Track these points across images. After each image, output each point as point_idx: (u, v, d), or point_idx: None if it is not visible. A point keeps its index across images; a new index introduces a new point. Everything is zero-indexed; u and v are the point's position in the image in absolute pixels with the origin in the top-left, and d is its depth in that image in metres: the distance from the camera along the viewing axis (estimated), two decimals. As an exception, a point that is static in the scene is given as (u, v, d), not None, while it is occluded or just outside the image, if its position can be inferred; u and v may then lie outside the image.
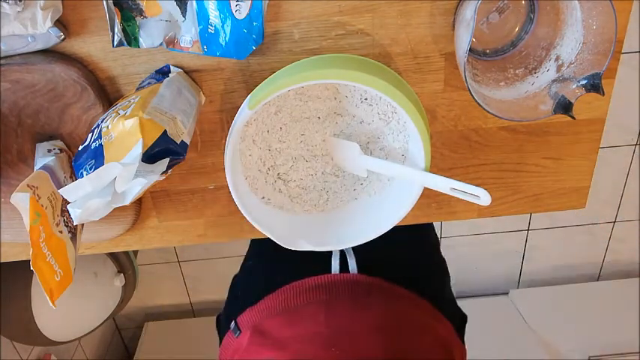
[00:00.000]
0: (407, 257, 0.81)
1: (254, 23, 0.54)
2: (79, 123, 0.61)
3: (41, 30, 0.52)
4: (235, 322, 0.71)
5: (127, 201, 0.46)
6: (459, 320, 0.76)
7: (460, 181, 0.52)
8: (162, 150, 0.48)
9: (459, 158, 0.69)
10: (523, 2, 0.58)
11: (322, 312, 0.65)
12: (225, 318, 0.76)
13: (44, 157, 0.59)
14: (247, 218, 0.57)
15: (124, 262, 1.52)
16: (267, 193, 0.62)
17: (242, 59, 0.57)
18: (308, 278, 0.72)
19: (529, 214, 1.95)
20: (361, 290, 0.70)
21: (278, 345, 0.62)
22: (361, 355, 0.58)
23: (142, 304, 2.06)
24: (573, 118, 0.55)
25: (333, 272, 0.73)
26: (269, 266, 0.75)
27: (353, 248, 0.76)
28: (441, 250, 0.93)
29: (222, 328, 0.77)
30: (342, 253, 0.76)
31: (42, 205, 0.52)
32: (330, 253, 0.76)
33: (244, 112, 0.51)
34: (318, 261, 0.73)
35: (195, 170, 0.69)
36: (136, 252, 1.71)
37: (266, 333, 0.65)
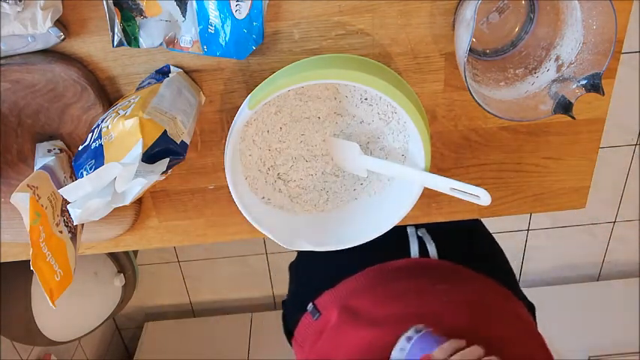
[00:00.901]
0: (482, 246, 0.84)
1: (254, 23, 0.54)
2: (79, 123, 0.61)
3: (41, 30, 0.52)
4: (313, 305, 0.73)
5: (127, 201, 0.46)
6: (529, 309, 0.78)
7: (460, 181, 0.52)
8: (162, 150, 0.48)
9: (458, 158, 0.69)
10: (523, 2, 0.58)
11: (412, 294, 0.66)
12: (298, 302, 0.79)
13: (44, 157, 0.59)
14: (247, 218, 0.57)
15: (124, 262, 1.52)
16: (267, 193, 0.62)
17: (242, 59, 0.57)
18: (391, 261, 0.74)
19: (529, 214, 1.95)
20: (447, 275, 0.71)
21: (373, 323, 0.63)
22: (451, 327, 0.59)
23: (142, 304, 2.06)
24: (573, 118, 0.55)
25: (412, 257, 0.75)
26: (342, 251, 0.77)
27: (430, 235, 0.79)
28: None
29: (292, 312, 0.80)
30: (420, 239, 0.78)
31: (42, 205, 0.52)
32: (404, 238, 0.78)
33: (244, 112, 0.51)
34: (393, 246, 0.75)
35: (195, 170, 0.69)
36: (136, 252, 1.71)
37: (357, 311, 0.67)
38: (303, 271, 0.87)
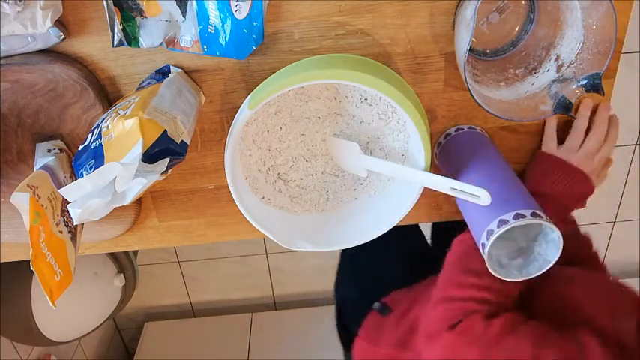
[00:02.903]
0: None
1: (254, 23, 0.54)
2: (79, 123, 0.61)
3: (41, 30, 0.52)
4: (382, 303, 0.79)
5: (127, 201, 0.46)
6: None
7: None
8: (162, 150, 0.48)
9: (459, 158, 0.69)
10: (523, 2, 0.58)
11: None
12: (362, 302, 0.82)
13: (44, 157, 0.59)
14: (247, 218, 0.57)
15: (124, 262, 1.52)
16: (267, 193, 0.62)
17: (242, 59, 0.57)
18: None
19: (529, 214, 1.94)
20: None
21: None
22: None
23: (142, 304, 2.06)
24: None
25: None
26: (402, 251, 0.86)
27: None
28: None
29: (356, 309, 0.83)
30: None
31: (42, 205, 0.52)
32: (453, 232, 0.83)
33: (244, 112, 0.51)
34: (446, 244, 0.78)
35: (195, 170, 0.69)
36: (136, 252, 1.71)
37: None
38: (367, 271, 0.91)
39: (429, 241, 1.06)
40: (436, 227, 1.11)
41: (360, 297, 0.86)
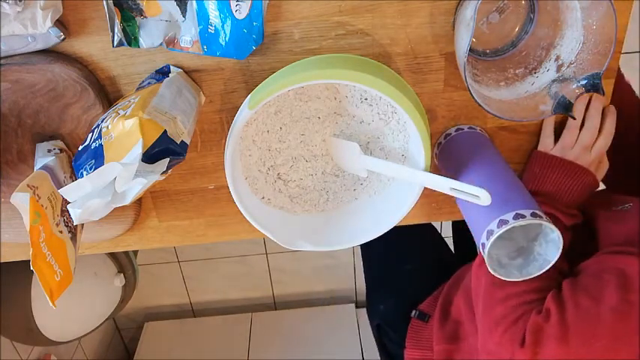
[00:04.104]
0: None
1: (254, 23, 0.54)
2: (79, 123, 0.61)
3: (41, 30, 0.52)
4: (418, 310, 0.81)
5: (127, 201, 0.46)
6: None
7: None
8: (162, 150, 0.48)
9: (459, 158, 0.69)
10: (523, 2, 0.58)
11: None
12: (399, 311, 0.85)
13: (44, 157, 0.59)
14: (247, 218, 0.57)
15: (124, 262, 1.52)
16: (267, 193, 0.62)
17: (242, 59, 0.57)
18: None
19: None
20: None
21: None
22: None
23: (142, 304, 2.06)
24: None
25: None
26: (426, 262, 0.89)
27: None
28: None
29: (395, 322, 0.85)
30: None
31: (42, 205, 0.52)
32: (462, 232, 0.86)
33: (244, 112, 0.51)
34: (471, 247, 0.78)
35: (195, 170, 0.69)
36: (136, 252, 1.71)
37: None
38: (401, 283, 0.92)
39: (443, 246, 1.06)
40: (456, 231, 1.11)
41: (396, 307, 0.87)
